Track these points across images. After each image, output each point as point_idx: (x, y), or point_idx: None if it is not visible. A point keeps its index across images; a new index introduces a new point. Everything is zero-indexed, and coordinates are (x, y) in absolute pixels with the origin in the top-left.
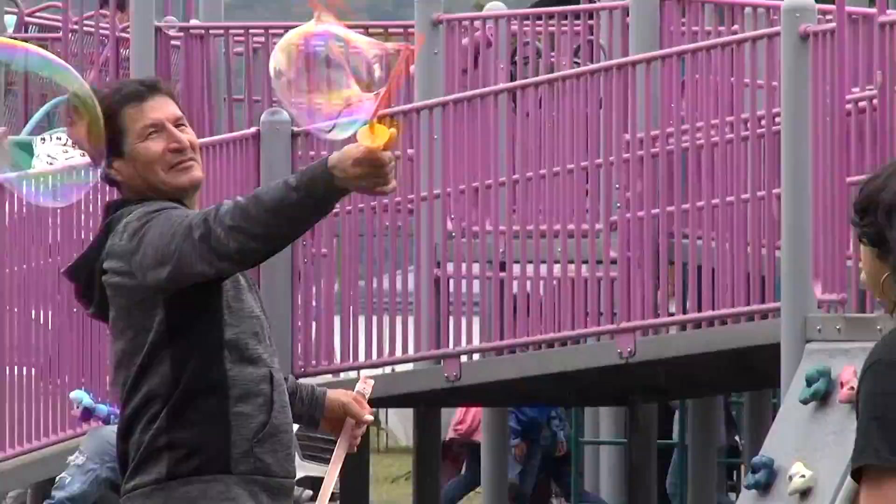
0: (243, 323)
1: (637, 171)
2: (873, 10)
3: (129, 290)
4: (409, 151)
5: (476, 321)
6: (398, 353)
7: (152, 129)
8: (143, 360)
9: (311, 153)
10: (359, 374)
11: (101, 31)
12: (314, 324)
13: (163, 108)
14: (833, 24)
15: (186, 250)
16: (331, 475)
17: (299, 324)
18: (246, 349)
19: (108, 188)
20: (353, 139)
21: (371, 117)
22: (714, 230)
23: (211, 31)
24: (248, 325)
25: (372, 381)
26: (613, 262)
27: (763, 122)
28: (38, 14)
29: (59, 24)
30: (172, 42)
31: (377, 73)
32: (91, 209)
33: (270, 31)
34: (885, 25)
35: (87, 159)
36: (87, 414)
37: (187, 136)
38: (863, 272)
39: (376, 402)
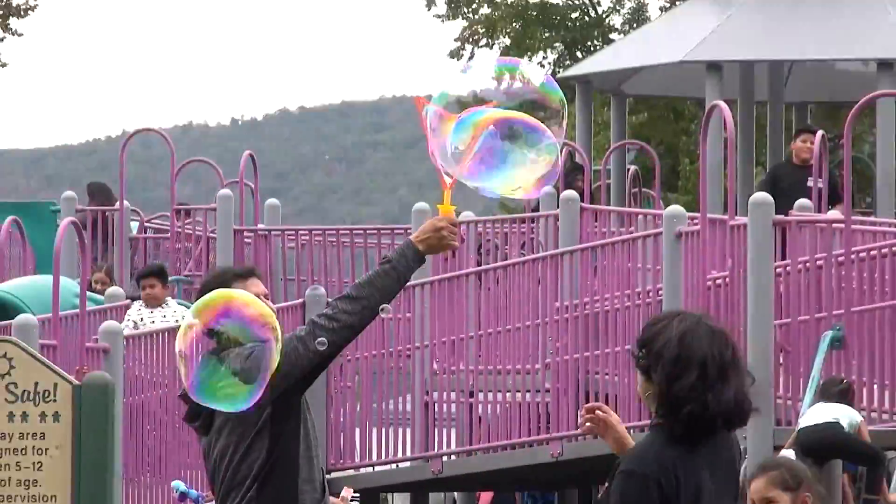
0: (311, 426)
1: (564, 328)
2: (726, 216)
3: None
4: (407, 315)
5: (454, 432)
6: (399, 454)
7: None
8: (247, 446)
9: None
10: (373, 469)
11: (196, 232)
12: (341, 434)
13: (257, 286)
14: (698, 227)
15: (291, 348)
16: None
17: (331, 433)
18: (311, 446)
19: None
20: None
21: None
22: (617, 369)
23: (272, 232)
24: (313, 429)
25: (352, 490)
26: (548, 391)
27: (650, 294)
28: (153, 220)
29: (168, 228)
30: (245, 240)
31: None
32: None
33: (313, 232)
34: (734, 227)
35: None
36: (183, 497)
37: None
38: (638, 386)
39: (385, 487)
